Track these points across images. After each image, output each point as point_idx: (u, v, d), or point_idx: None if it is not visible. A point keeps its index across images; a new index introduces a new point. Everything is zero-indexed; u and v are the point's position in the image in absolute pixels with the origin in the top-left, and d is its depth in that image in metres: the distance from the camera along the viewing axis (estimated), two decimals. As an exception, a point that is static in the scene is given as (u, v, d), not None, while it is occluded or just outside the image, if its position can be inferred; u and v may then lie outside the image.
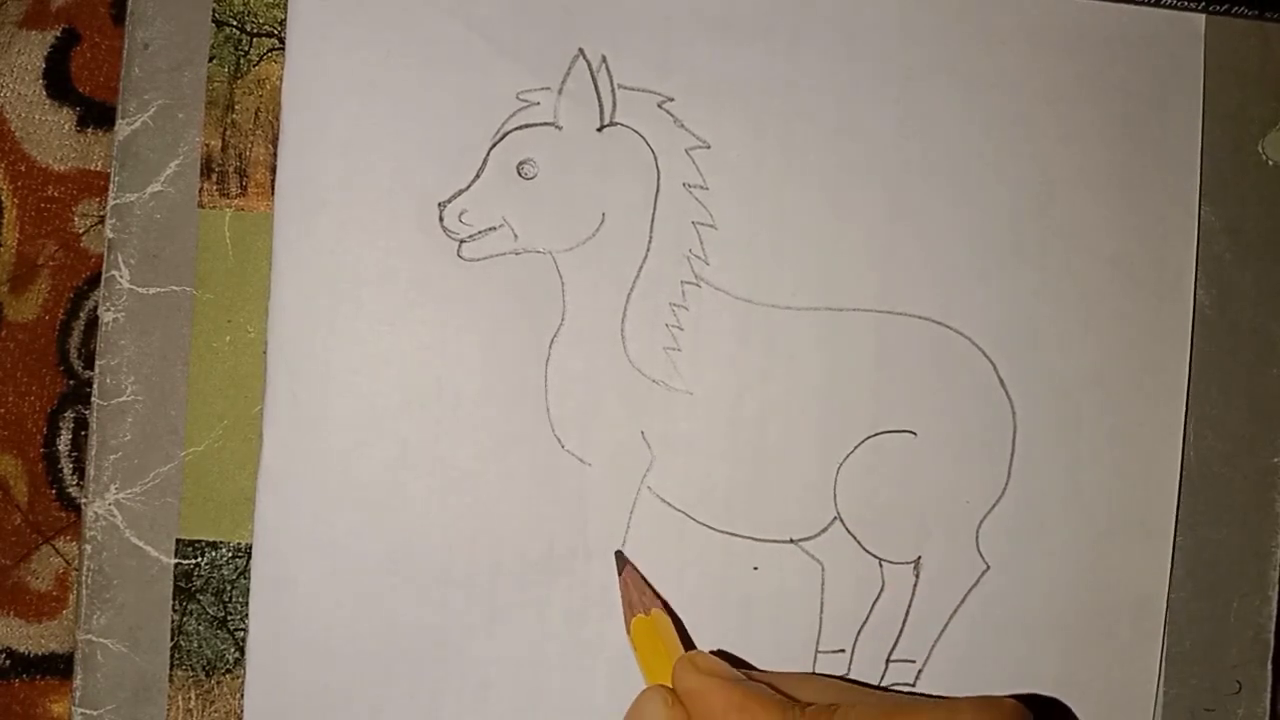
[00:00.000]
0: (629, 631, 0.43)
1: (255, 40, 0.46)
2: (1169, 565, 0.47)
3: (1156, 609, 0.47)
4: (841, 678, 0.46)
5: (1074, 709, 0.46)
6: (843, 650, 0.46)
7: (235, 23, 0.46)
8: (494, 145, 0.45)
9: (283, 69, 0.45)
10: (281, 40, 0.46)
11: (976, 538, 0.46)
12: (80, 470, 0.48)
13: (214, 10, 0.46)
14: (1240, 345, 0.48)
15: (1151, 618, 0.47)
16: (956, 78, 0.47)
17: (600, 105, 0.45)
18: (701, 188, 0.46)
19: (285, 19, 0.45)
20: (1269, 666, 0.47)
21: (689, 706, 0.38)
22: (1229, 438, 0.48)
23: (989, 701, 0.36)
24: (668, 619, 0.43)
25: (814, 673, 0.45)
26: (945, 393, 0.46)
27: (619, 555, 0.45)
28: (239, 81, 0.46)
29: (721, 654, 0.45)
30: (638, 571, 0.45)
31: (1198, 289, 0.47)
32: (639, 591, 0.43)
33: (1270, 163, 0.48)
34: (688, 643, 0.45)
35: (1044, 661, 0.46)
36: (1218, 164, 0.48)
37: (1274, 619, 0.47)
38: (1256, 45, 0.48)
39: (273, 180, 0.45)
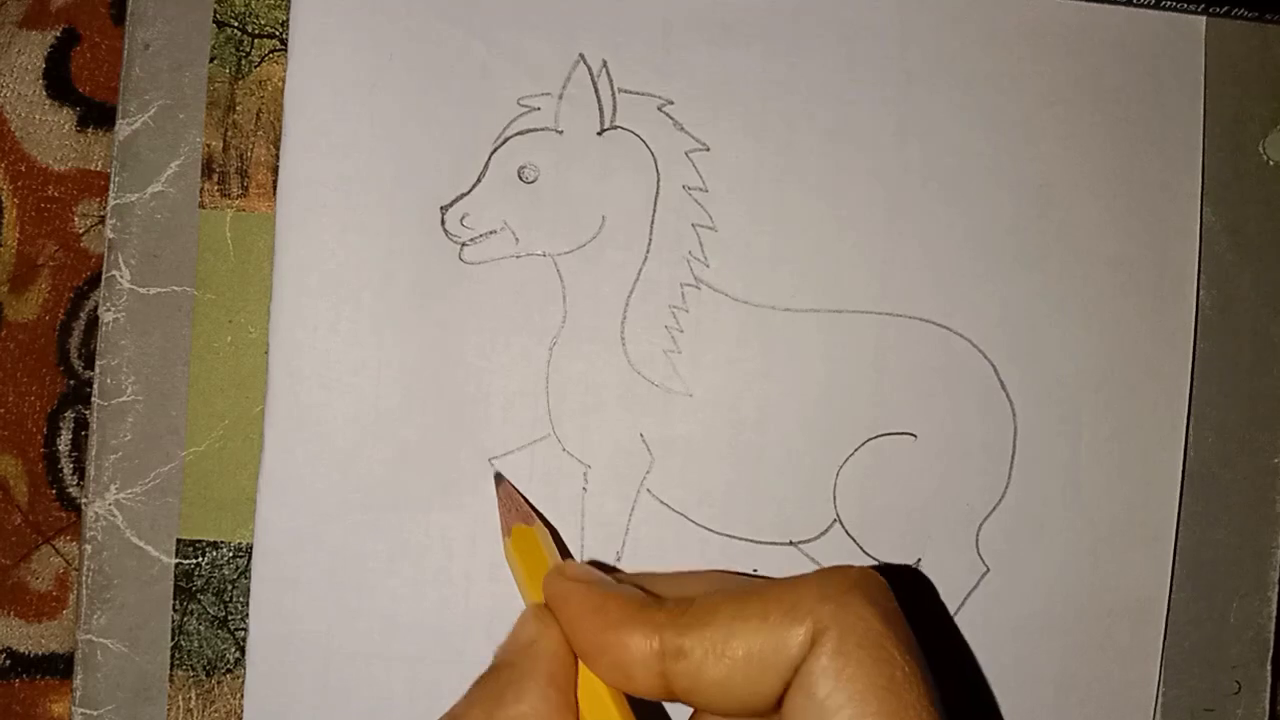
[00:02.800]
0: (505, 548, 0.42)
1: (256, 41, 0.46)
2: (1170, 567, 0.47)
3: (1157, 610, 0.47)
4: (720, 571, 0.46)
5: (1074, 709, 0.46)
6: (842, 652, 0.46)
7: (236, 24, 0.46)
8: (495, 150, 0.45)
9: (284, 70, 0.45)
10: (283, 41, 0.46)
11: (976, 540, 0.46)
12: (80, 470, 0.48)
13: (215, 11, 0.45)
14: (1241, 346, 0.48)
15: (1152, 619, 0.47)
16: (956, 80, 0.47)
17: (600, 109, 0.45)
18: (701, 190, 0.46)
19: (287, 20, 0.45)
20: (1269, 667, 0.47)
21: (558, 615, 0.37)
22: (1229, 438, 0.48)
23: (834, 570, 0.35)
24: (545, 533, 0.42)
25: (692, 571, 0.44)
26: (945, 395, 0.46)
27: (496, 475, 0.45)
28: (240, 82, 0.45)
29: (597, 564, 0.44)
30: (514, 489, 0.44)
31: (1199, 289, 0.47)
32: (510, 509, 0.43)
33: (1271, 163, 0.48)
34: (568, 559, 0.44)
35: (1044, 662, 0.46)
36: (1218, 164, 0.48)
37: (1274, 619, 0.47)
38: (1257, 46, 0.48)
39: (274, 181, 0.45)
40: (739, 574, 0.45)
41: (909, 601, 0.35)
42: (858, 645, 0.32)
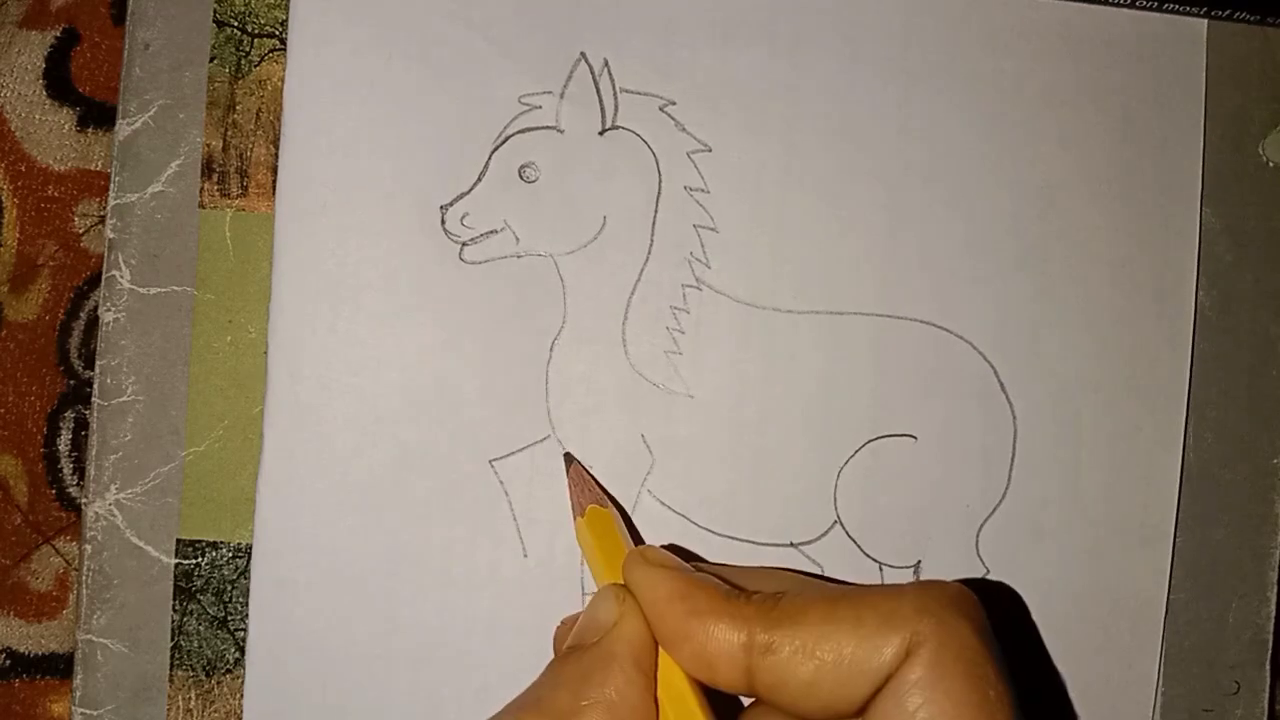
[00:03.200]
0: (577, 529, 0.42)
1: (256, 41, 0.46)
2: (1168, 568, 0.47)
3: (1156, 611, 0.47)
4: (794, 570, 0.45)
5: (1074, 710, 0.46)
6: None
7: (236, 23, 0.46)
8: (496, 149, 0.45)
9: (284, 70, 0.45)
10: (283, 41, 0.46)
11: (976, 541, 0.46)
12: (80, 470, 0.48)
13: (215, 10, 0.45)
14: (1240, 346, 0.48)
15: (1151, 619, 0.47)
16: (958, 81, 0.47)
17: (602, 109, 0.45)
18: (703, 191, 0.46)
19: (287, 20, 0.45)
20: (1267, 667, 0.47)
21: (641, 599, 0.36)
22: (1228, 439, 0.48)
23: (932, 584, 0.35)
24: (616, 515, 0.42)
25: (764, 566, 0.44)
26: (945, 396, 0.46)
27: (566, 456, 0.45)
28: (240, 82, 0.45)
29: (674, 549, 0.44)
30: (585, 469, 0.44)
31: (1198, 290, 0.47)
32: (582, 489, 0.43)
33: (1270, 164, 0.48)
34: (639, 542, 0.44)
35: (1044, 663, 0.46)
36: (1218, 165, 0.48)
37: (1273, 619, 0.47)
38: (1257, 47, 0.48)
39: (274, 181, 0.45)
40: (805, 574, 0.44)
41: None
42: (954, 660, 0.33)
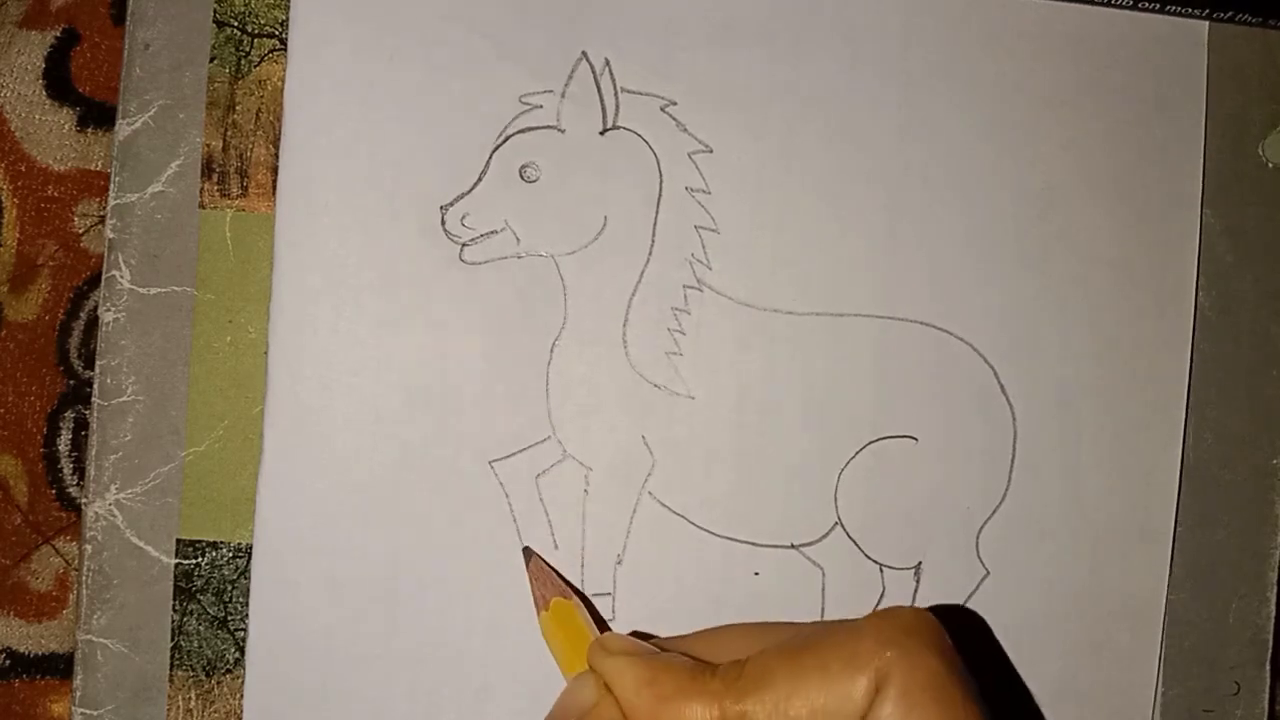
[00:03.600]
0: (541, 622, 0.42)
1: (256, 41, 0.45)
2: (1168, 568, 0.47)
3: (1155, 611, 0.47)
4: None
5: (1074, 711, 0.46)
6: (843, 655, 0.46)
7: (236, 23, 0.45)
8: (496, 148, 0.45)
9: (284, 70, 0.45)
10: (283, 41, 0.45)
11: (977, 543, 0.46)
12: (80, 470, 0.48)
13: (215, 11, 0.45)
14: (1240, 347, 0.48)
15: (1150, 620, 0.47)
16: (958, 82, 0.47)
17: (603, 108, 0.45)
18: (704, 192, 0.46)
19: (286, 20, 0.45)
20: (1267, 667, 0.48)
21: (612, 688, 0.37)
22: (1228, 439, 0.48)
23: (889, 613, 0.35)
24: (578, 605, 0.42)
25: (722, 626, 0.44)
26: (946, 398, 0.46)
27: (526, 550, 0.45)
28: (240, 82, 0.45)
29: (637, 634, 0.44)
30: (545, 562, 0.44)
31: (1198, 291, 0.47)
32: (544, 583, 0.43)
33: (1270, 165, 0.48)
34: (604, 628, 0.45)
35: (1044, 664, 0.47)
36: (1218, 166, 0.48)
37: (1272, 620, 0.48)
38: (1257, 49, 0.48)
39: (274, 181, 0.45)
40: (769, 624, 0.44)
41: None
42: (921, 690, 0.33)
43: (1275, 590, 0.47)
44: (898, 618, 0.35)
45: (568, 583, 0.44)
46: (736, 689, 0.34)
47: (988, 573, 0.46)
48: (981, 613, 0.46)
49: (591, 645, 0.39)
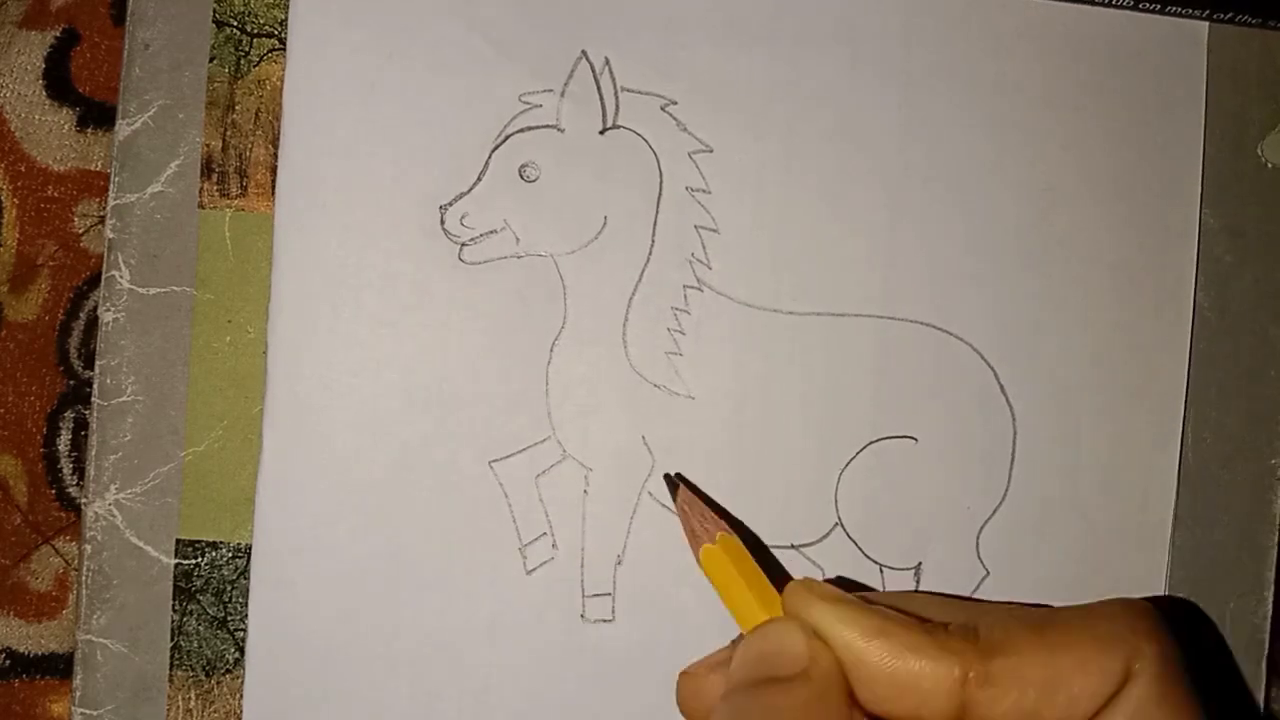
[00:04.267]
0: (705, 557, 0.39)
1: (255, 40, 0.45)
2: (1166, 568, 0.47)
3: (1154, 610, 0.47)
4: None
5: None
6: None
7: (235, 23, 0.45)
8: (496, 148, 0.45)
9: (283, 69, 0.45)
10: (282, 40, 0.45)
11: (977, 543, 0.46)
12: (80, 470, 0.48)
13: (214, 10, 0.45)
14: (1239, 347, 0.48)
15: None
16: (959, 83, 0.47)
17: (603, 108, 0.45)
18: (704, 191, 0.46)
19: (286, 19, 0.45)
20: (1264, 665, 0.48)
21: (826, 636, 0.34)
22: (1227, 439, 0.48)
23: (1135, 603, 0.34)
24: (737, 541, 0.39)
25: (912, 592, 0.42)
26: (946, 399, 0.46)
27: (671, 479, 0.44)
28: (239, 82, 0.45)
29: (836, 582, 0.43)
30: (696, 492, 0.42)
31: (1197, 291, 0.47)
32: (700, 517, 0.40)
33: (1269, 164, 0.48)
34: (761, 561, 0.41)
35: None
36: (1216, 166, 0.48)
37: (1269, 619, 0.48)
38: (1256, 48, 0.48)
39: (273, 181, 0.45)
40: (967, 599, 0.43)
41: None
42: (1174, 681, 0.32)
43: (1272, 589, 0.48)
44: (1147, 608, 0.34)
45: (723, 513, 0.43)
46: (980, 649, 0.32)
47: (987, 573, 0.46)
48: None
49: (793, 588, 0.36)
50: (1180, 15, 0.47)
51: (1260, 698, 0.47)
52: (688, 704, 0.37)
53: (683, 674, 0.38)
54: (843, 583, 0.46)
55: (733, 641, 0.37)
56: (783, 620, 0.35)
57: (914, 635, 0.33)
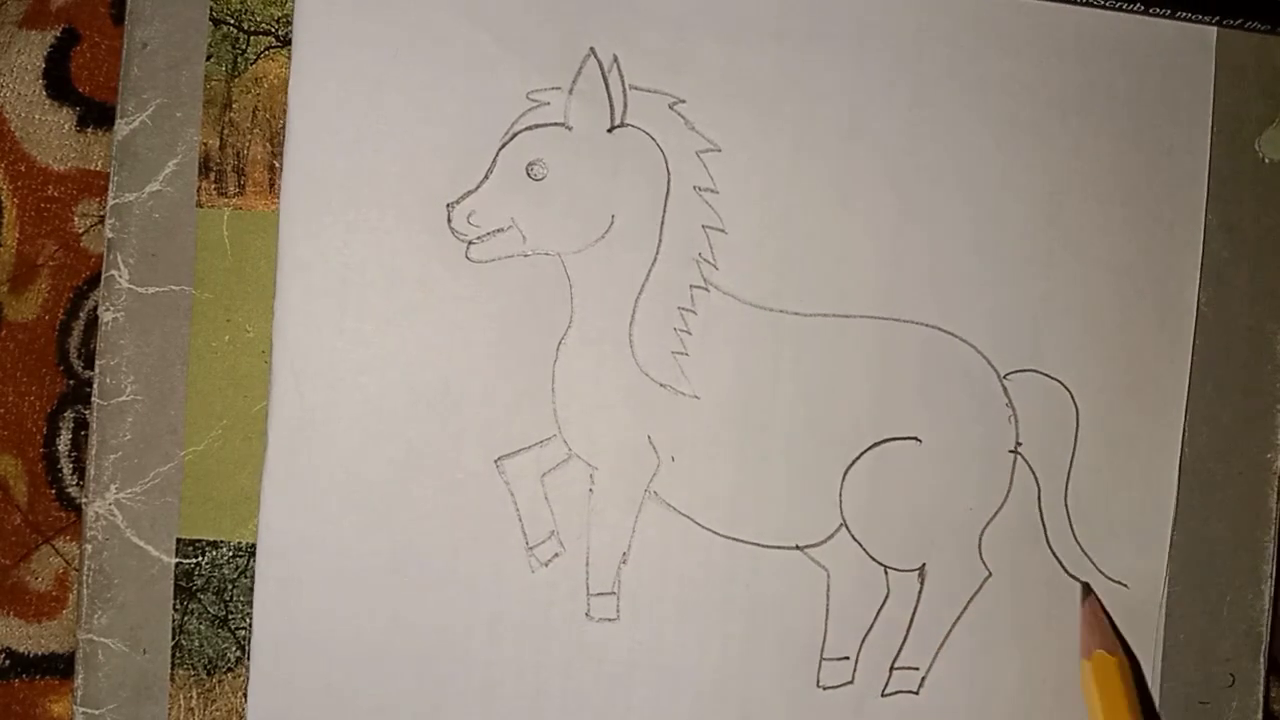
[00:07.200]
0: (1083, 670, 0.41)
1: (252, 38, 0.45)
2: (1165, 567, 0.47)
3: (1153, 607, 0.47)
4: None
5: (1075, 709, 0.47)
6: (847, 658, 0.46)
7: (232, 21, 0.45)
8: (503, 146, 0.45)
9: (280, 67, 0.45)
10: (278, 38, 0.45)
11: (979, 544, 0.46)
12: (80, 470, 0.48)
13: (211, 9, 0.45)
14: (1236, 342, 0.48)
15: (1148, 615, 0.47)
16: (968, 85, 0.47)
17: (611, 106, 0.45)
18: (712, 191, 0.45)
19: (282, 17, 0.45)
20: (1262, 659, 0.48)
21: None
22: (1224, 434, 0.48)
23: None
24: (1123, 662, 0.40)
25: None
26: (950, 400, 0.46)
27: (1085, 587, 0.45)
28: (236, 80, 0.45)
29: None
30: (1100, 606, 0.44)
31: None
32: (1093, 629, 0.42)
33: (1266, 160, 0.48)
34: (1144, 691, 0.44)
35: (1046, 663, 0.47)
36: (1215, 162, 0.48)
37: (1267, 613, 0.48)
38: (1254, 45, 0.48)
39: (271, 179, 0.45)
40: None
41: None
42: None
43: (1270, 584, 0.48)
44: None
45: (1118, 634, 0.44)
46: None
47: (990, 574, 0.47)
48: (983, 614, 0.47)
49: None
50: (1189, 19, 0.47)
51: (1259, 692, 0.48)
52: None
53: None
54: (852, 587, 0.46)
55: None
56: None
57: None
